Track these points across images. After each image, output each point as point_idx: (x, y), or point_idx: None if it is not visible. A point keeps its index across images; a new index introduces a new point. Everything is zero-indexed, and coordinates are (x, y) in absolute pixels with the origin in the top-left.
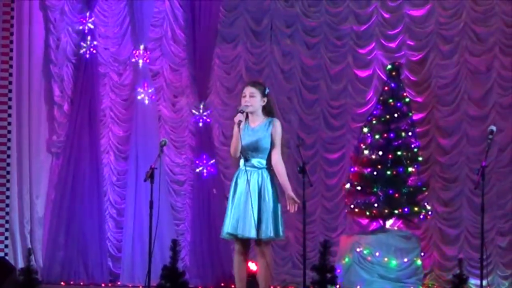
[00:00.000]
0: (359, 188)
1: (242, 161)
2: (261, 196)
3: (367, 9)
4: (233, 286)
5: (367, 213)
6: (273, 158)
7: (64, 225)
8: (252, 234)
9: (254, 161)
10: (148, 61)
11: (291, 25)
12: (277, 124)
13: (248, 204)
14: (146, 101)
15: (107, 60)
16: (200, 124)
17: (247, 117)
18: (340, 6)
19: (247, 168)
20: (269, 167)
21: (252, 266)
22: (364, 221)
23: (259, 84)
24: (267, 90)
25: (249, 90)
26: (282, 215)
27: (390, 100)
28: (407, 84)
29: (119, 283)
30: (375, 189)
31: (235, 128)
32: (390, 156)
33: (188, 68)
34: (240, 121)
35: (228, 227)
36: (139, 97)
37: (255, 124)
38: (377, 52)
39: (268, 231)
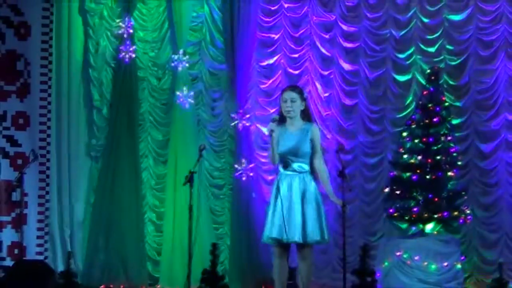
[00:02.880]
0: (398, 192)
1: (282, 166)
2: (304, 200)
3: (406, 14)
4: None
5: (406, 217)
6: (315, 163)
7: (103, 229)
8: (297, 238)
9: (295, 166)
10: (187, 65)
11: (329, 30)
12: (316, 129)
13: (293, 208)
14: (186, 105)
15: (146, 64)
16: (239, 128)
17: (284, 121)
18: (379, 11)
19: (288, 173)
20: (312, 171)
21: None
22: (404, 225)
23: (298, 88)
24: (305, 94)
25: (290, 95)
26: (326, 218)
27: (429, 105)
28: (446, 88)
29: (158, 286)
30: (414, 194)
31: (272, 138)
32: (429, 160)
33: (227, 72)
34: (272, 131)
35: (272, 232)
36: (178, 101)
37: (294, 129)
38: (416, 57)
39: (313, 234)
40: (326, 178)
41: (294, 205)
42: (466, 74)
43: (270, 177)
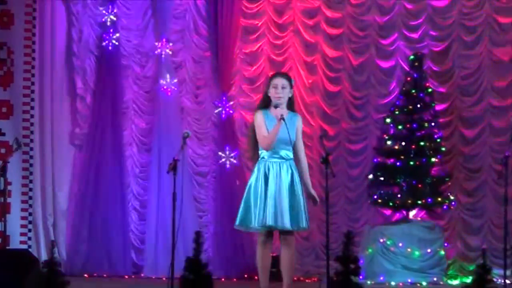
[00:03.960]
0: (382, 178)
1: (267, 152)
2: (292, 187)
3: (389, 0)
4: (256, 278)
5: (390, 203)
6: (298, 154)
7: (87, 218)
8: (288, 225)
9: (283, 153)
10: (170, 53)
11: (313, 16)
12: (300, 119)
13: (283, 196)
14: (169, 93)
15: (129, 52)
16: (223, 116)
17: (268, 108)
18: None
19: (275, 160)
20: (294, 159)
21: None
22: (387, 212)
23: (288, 76)
24: (293, 82)
25: (281, 81)
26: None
27: (413, 91)
28: (429, 74)
29: (142, 275)
30: (398, 180)
31: (277, 123)
32: (413, 146)
33: (211, 60)
34: (282, 115)
35: (268, 219)
36: (161, 89)
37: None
38: (400, 42)
39: (301, 222)
40: (306, 169)
41: (282, 192)
42: (450, 59)
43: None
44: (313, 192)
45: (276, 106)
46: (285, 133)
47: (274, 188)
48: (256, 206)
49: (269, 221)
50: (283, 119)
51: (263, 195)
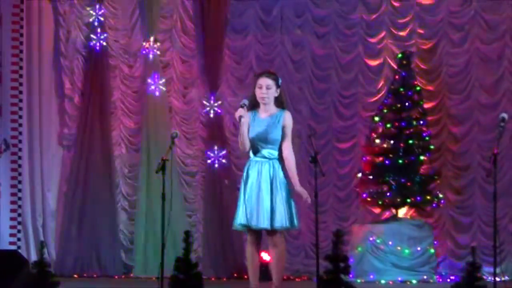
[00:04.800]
0: (371, 177)
1: (251, 152)
2: (273, 187)
3: None
4: (246, 277)
5: (380, 202)
6: (284, 151)
7: (76, 218)
8: (266, 224)
9: (265, 152)
10: (158, 52)
11: (301, 15)
12: (288, 116)
13: (261, 195)
14: (157, 93)
15: (117, 52)
16: (211, 115)
17: (257, 106)
18: None
19: (258, 159)
20: (280, 158)
21: (265, 256)
22: (377, 210)
23: (274, 75)
24: (280, 81)
25: (265, 81)
26: (295, 205)
27: (401, 89)
28: (418, 72)
29: (132, 275)
30: (387, 178)
31: (240, 124)
32: (401, 144)
33: (199, 59)
34: (240, 116)
35: (241, 218)
36: (149, 89)
37: (265, 115)
38: (387, 41)
39: (283, 221)
40: (294, 167)
41: (262, 192)
42: (438, 57)
43: (242, 163)
44: (300, 189)
45: (240, 106)
46: (263, 132)
47: (251, 188)
48: (238, 207)
49: (242, 220)
50: (240, 120)
51: (243, 195)
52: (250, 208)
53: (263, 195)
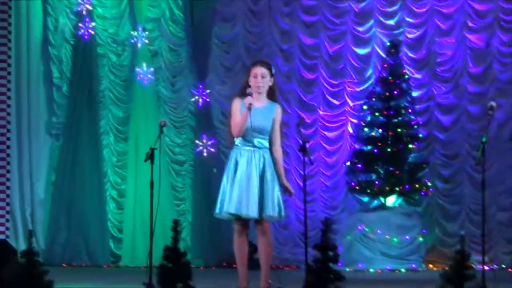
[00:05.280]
0: (359, 165)
1: (240, 140)
2: (263, 176)
3: None
4: (235, 266)
5: (368, 190)
6: (275, 143)
7: (65, 207)
8: (254, 214)
9: (255, 141)
10: (146, 41)
11: (289, 4)
12: (280, 110)
13: (251, 183)
14: (145, 82)
15: (105, 41)
16: (200, 104)
17: (246, 96)
18: None
19: (248, 148)
20: (270, 148)
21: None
22: (365, 199)
23: (268, 64)
24: (273, 70)
25: (261, 70)
26: (282, 195)
27: (390, 78)
28: (406, 61)
29: (120, 264)
30: (375, 167)
31: (246, 111)
32: (390, 133)
33: (187, 48)
34: (250, 104)
35: (230, 207)
36: (138, 78)
37: (260, 105)
38: (376, 29)
39: (271, 211)
40: (281, 160)
41: (252, 180)
42: (426, 46)
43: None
44: (286, 183)
45: (248, 94)
46: (259, 121)
47: (241, 176)
48: (224, 194)
49: (232, 209)
50: (250, 108)
51: (230, 183)
52: (239, 196)
53: (253, 183)
